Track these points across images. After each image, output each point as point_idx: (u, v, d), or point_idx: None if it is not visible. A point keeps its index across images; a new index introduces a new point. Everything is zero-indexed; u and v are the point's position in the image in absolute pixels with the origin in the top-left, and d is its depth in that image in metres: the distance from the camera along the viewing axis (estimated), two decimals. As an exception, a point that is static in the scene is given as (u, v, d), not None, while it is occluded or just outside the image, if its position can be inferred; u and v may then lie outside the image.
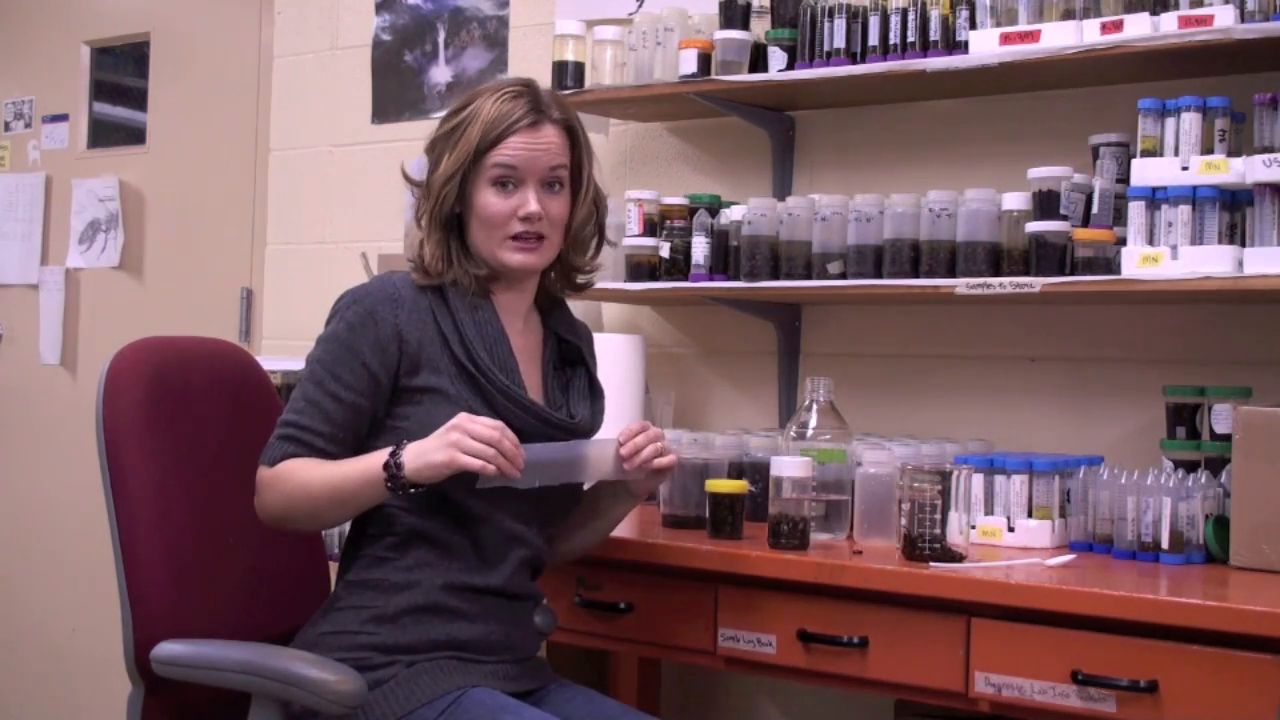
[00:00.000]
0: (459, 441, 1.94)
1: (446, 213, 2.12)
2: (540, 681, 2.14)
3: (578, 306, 3.11)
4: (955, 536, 2.29)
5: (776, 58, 2.81)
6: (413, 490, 1.98)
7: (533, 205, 2.10)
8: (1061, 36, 2.45)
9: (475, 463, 1.93)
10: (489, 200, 2.10)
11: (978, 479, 2.38)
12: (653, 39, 2.97)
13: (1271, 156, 2.24)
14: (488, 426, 1.95)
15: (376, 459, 1.99)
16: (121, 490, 2.08)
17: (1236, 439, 2.19)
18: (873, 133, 3.01)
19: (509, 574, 2.09)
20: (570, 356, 2.25)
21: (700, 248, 2.88)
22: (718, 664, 2.33)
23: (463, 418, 1.96)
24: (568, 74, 3.05)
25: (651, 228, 2.94)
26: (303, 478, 2.02)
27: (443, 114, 2.19)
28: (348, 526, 2.16)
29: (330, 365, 2.06)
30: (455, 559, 2.07)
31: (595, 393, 2.26)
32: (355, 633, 2.03)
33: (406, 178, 2.21)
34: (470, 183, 2.11)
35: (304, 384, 2.07)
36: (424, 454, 1.96)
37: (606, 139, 3.31)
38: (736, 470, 2.55)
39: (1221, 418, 2.36)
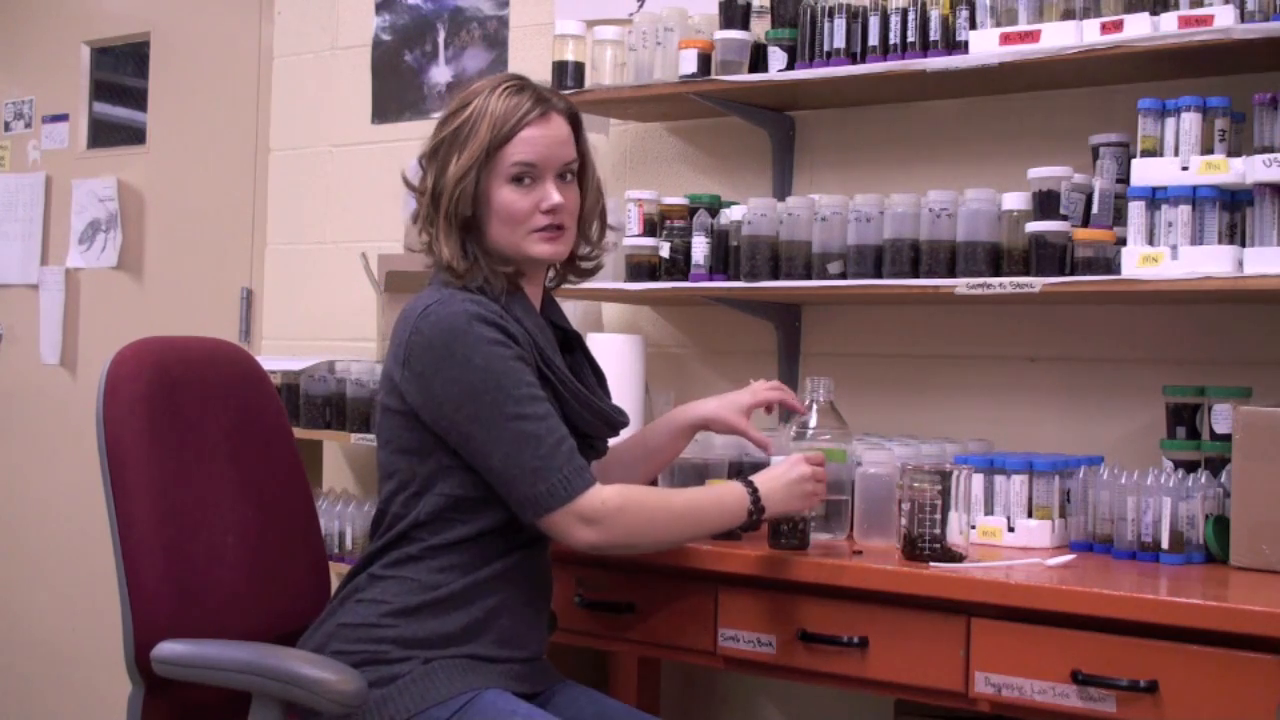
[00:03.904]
0: (818, 491, 2.16)
1: (463, 215, 2.08)
2: (547, 682, 2.15)
3: (578, 306, 3.13)
4: (955, 536, 2.29)
5: (776, 58, 2.81)
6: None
7: (555, 197, 2.09)
8: (1061, 36, 2.45)
9: (817, 500, 2.19)
10: (509, 197, 2.08)
11: (978, 479, 2.38)
12: (653, 39, 2.97)
13: (1271, 156, 2.23)
14: (812, 465, 2.15)
15: (730, 494, 2.11)
16: (121, 490, 2.07)
17: (1236, 439, 2.19)
18: (873, 133, 3.00)
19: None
20: (567, 344, 2.26)
21: (700, 248, 2.87)
22: (718, 664, 2.33)
23: (803, 467, 2.14)
24: (568, 74, 3.04)
25: (651, 228, 2.94)
26: (660, 501, 2.11)
27: (439, 118, 2.16)
28: (368, 522, 2.18)
29: (512, 388, 1.98)
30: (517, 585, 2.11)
31: (600, 376, 2.29)
32: (374, 625, 2.03)
33: (408, 184, 2.19)
34: (483, 182, 2.08)
35: (508, 425, 1.96)
36: (784, 502, 2.13)
37: (606, 139, 3.31)
38: (736, 470, 2.54)
39: (1221, 418, 2.36)
